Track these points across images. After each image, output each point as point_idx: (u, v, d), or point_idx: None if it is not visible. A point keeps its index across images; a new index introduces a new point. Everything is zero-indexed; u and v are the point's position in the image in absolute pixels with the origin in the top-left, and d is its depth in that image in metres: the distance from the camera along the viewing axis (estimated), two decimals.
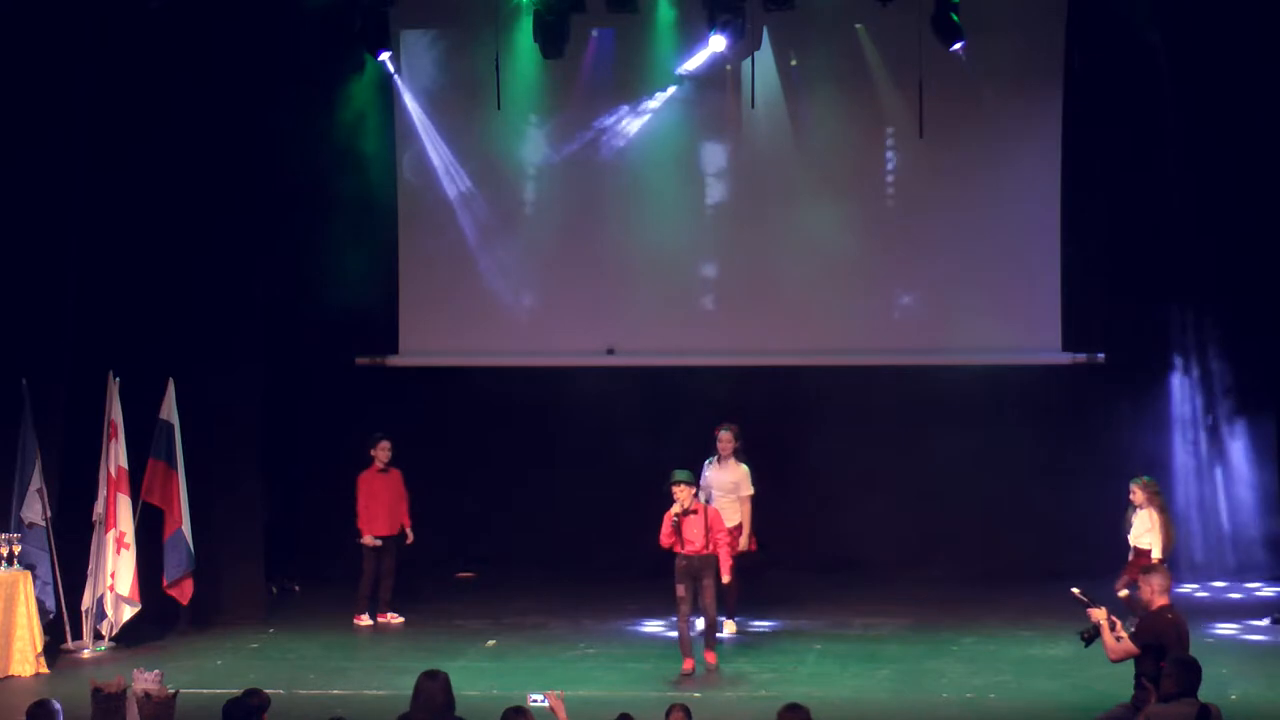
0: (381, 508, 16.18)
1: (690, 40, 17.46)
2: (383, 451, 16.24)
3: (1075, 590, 11.52)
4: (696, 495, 14.11)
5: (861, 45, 17.59)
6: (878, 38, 17.44)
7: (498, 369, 18.33)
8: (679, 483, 13.89)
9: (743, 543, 15.17)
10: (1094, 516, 17.14)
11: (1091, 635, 11.16)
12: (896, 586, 17.30)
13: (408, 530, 16.35)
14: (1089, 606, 11.21)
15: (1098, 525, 16.86)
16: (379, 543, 16.12)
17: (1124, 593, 13.90)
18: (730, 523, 14.93)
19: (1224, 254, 17.24)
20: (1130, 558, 14.14)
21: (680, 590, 13.91)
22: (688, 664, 13.93)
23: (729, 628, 15.38)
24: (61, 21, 15.16)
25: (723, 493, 15.18)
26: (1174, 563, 14.31)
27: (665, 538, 13.93)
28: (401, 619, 16.32)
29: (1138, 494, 14.20)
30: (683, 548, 13.90)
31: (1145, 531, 14.11)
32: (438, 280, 18.33)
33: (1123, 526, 14.21)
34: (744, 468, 15.30)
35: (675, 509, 13.87)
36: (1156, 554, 13.93)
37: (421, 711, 9.47)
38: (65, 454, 15.31)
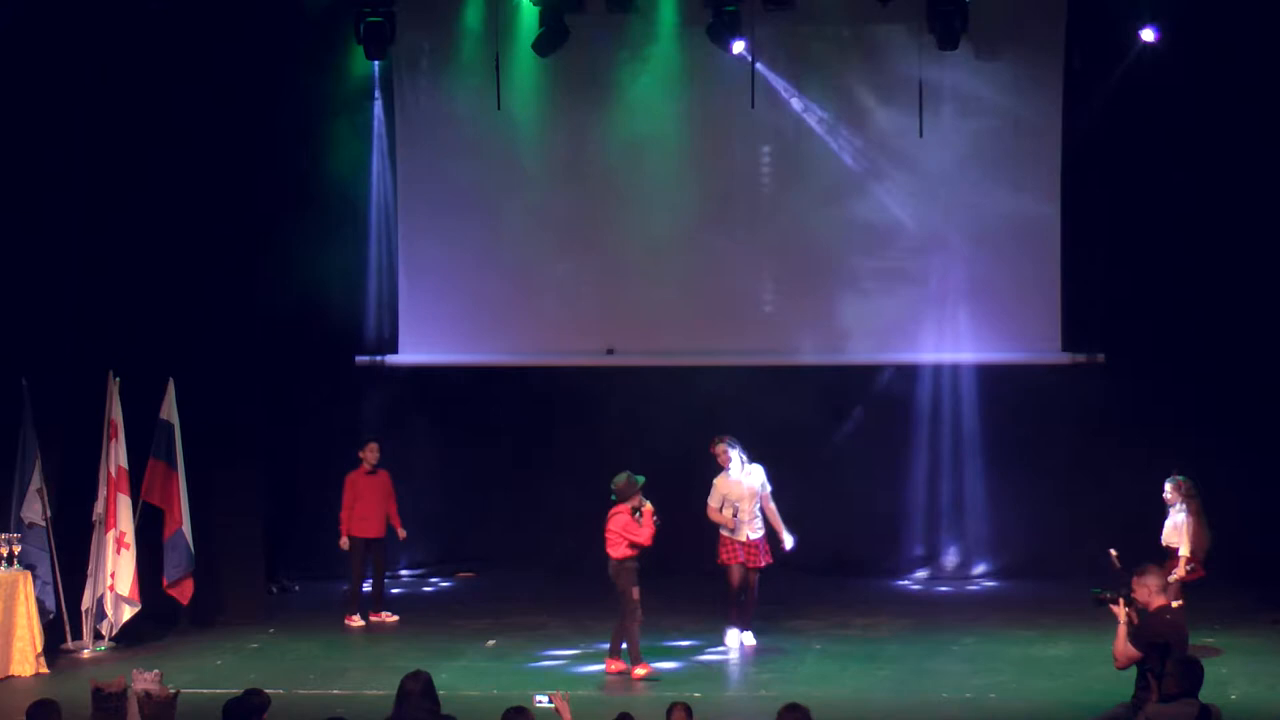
0: (370, 509, 16.19)
1: (690, 39, 17.44)
2: (371, 453, 16.24)
3: (1113, 551, 11.49)
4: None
5: (861, 45, 17.60)
6: (877, 38, 17.44)
7: (497, 369, 18.32)
8: (641, 487, 13.95)
9: (787, 541, 14.87)
10: (1094, 516, 17.16)
11: (1105, 599, 10.78)
12: (896, 586, 17.30)
13: (398, 529, 16.38)
14: (1117, 584, 10.94)
15: (1098, 525, 16.88)
16: (347, 547, 16.15)
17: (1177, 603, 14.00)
18: (755, 534, 14.78)
19: (1225, 253, 17.22)
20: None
21: (636, 594, 13.94)
22: (645, 667, 13.97)
23: (746, 639, 15.02)
24: (62, 23, 15.16)
25: (751, 499, 14.79)
26: (1207, 563, 14.30)
27: (650, 538, 13.94)
28: (396, 617, 16.35)
29: (1171, 493, 14.19)
30: (639, 550, 13.97)
31: (1173, 531, 14.11)
32: (437, 280, 18.33)
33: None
34: (758, 466, 14.97)
35: (649, 509, 13.88)
36: (1184, 553, 13.94)
37: (405, 713, 9.48)
38: (65, 454, 15.32)
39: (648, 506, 13.96)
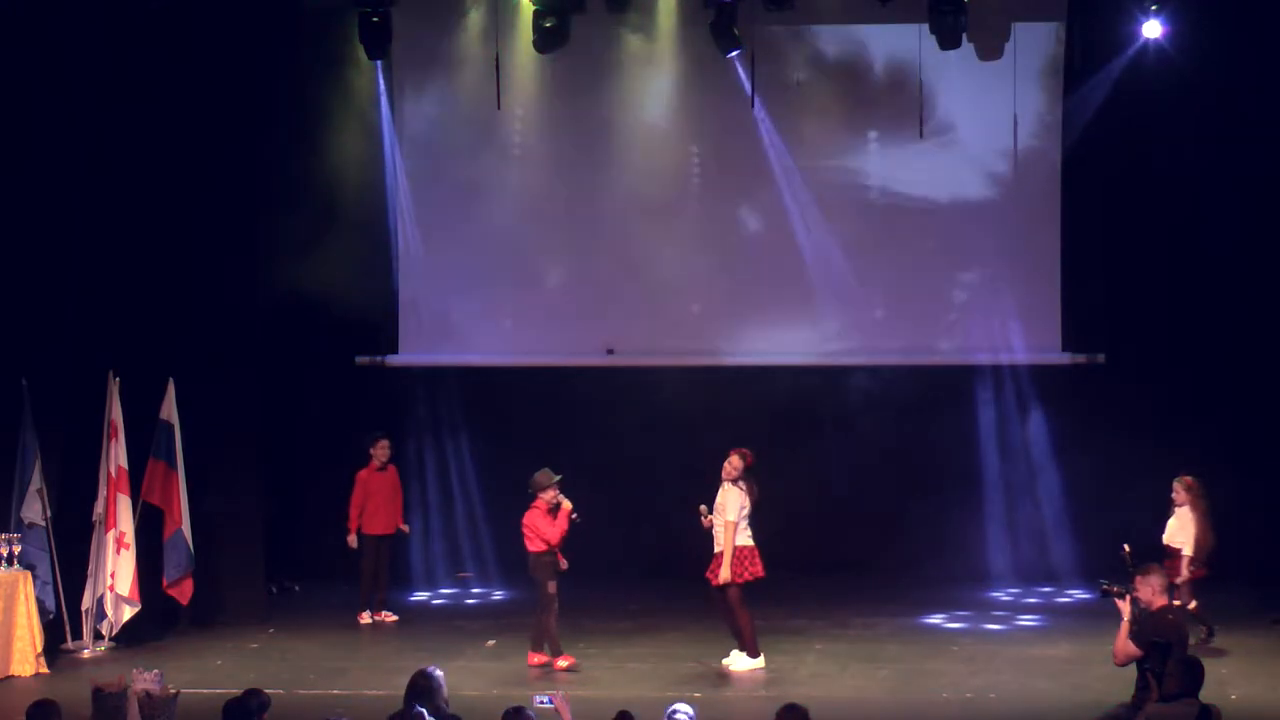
0: (380, 506, 16.25)
1: (689, 39, 17.43)
2: (381, 450, 16.30)
3: (1126, 547, 11.53)
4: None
5: (861, 45, 17.60)
6: (878, 38, 17.44)
7: (498, 369, 18.32)
8: (557, 482, 14.09)
9: (723, 574, 13.81)
10: (1093, 517, 17.16)
11: (1115, 592, 10.71)
12: (896, 586, 17.29)
13: (403, 527, 16.49)
14: (1127, 580, 10.90)
15: (1097, 525, 16.89)
16: (356, 544, 16.19)
17: (1193, 604, 13.99)
18: (717, 549, 13.93)
19: (1225, 253, 17.21)
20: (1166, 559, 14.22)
21: (553, 587, 14.04)
22: (567, 659, 14.08)
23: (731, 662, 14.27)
24: (62, 23, 15.16)
25: (717, 517, 14.04)
26: (1209, 563, 14.45)
27: (559, 537, 14.05)
28: (395, 616, 16.36)
29: (1180, 493, 14.29)
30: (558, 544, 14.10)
31: (1179, 530, 14.25)
32: (437, 280, 18.33)
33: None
34: (732, 490, 13.91)
35: (566, 506, 14.00)
36: (1188, 553, 14.10)
37: (414, 707, 9.48)
38: (65, 454, 15.31)
39: (566, 504, 14.06)
